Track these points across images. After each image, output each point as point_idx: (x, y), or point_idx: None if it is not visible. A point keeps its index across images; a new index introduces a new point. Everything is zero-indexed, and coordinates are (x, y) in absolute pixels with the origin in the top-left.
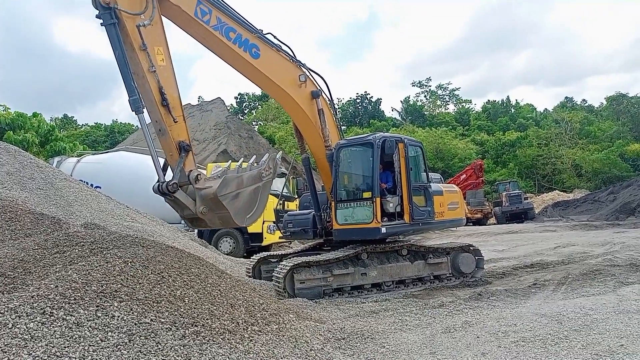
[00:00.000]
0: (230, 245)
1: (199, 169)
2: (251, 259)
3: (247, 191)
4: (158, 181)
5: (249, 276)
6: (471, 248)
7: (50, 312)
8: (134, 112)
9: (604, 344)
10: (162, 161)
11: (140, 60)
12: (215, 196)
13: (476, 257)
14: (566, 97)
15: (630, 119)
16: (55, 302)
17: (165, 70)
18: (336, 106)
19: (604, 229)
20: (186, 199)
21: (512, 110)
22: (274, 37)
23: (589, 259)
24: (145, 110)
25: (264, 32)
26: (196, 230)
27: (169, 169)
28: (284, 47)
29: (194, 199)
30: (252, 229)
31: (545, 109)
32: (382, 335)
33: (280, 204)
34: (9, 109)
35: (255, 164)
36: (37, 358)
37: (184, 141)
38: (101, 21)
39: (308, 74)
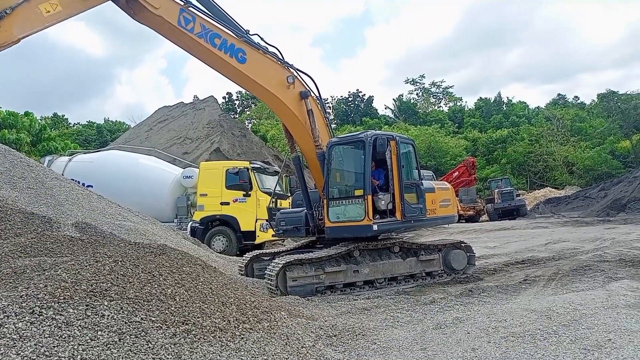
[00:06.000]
0: (223, 244)
1: None
2: (244, 257)
3: None
4: None
5: (242, 274)
6: (463, 245)
7: (40, 312)
8: None
9: (592, 338)
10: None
11: None
12: None
13: (468, 254)
14: (559, 94)
15: (621, 116)
16: (45, 302)
17: (38, 16)
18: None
19: (595, 225)
20: None
21: (504, 107)
22: (261, 38)
23: (579, 255)
24: None
25: (250, 33)
26: (189, 229)
27: None
28: (270, 49)
29: None
30: (245, 227)
31: (537, 106)
32: (373, 332)
33: (272, 202)
34: (0, 107)
35: None
36: (26, 358)
37: None
38: None
39: (296, 74)
